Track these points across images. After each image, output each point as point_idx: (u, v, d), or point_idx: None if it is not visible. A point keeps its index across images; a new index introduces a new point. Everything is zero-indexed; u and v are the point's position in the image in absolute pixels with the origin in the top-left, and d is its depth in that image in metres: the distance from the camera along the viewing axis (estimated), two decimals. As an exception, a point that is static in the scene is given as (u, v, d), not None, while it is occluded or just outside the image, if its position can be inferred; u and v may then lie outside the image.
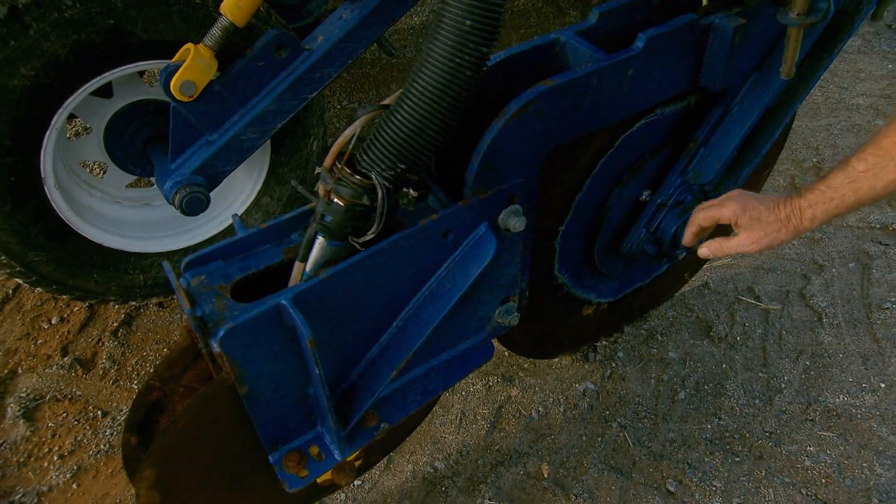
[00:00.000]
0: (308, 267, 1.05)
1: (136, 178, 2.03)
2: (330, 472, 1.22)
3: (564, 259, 1.49)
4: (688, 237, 1.33)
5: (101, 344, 2.04)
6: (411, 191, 1.01)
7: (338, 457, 1.17)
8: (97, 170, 2.58)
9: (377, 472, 1.66)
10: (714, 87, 1.26)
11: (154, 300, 2.10)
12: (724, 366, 1.83)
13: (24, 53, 1.44)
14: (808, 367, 1.81)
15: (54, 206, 1.69)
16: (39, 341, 2.06)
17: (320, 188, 1.01)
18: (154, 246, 1.95)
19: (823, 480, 1.58)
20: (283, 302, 0.95)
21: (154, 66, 1.64)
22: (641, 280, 1.77)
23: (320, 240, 1.04)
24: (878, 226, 2.21)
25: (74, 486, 1.69)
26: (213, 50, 1.57)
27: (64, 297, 1.90)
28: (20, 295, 2.20)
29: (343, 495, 1.62)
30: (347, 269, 1.00)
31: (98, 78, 1.57)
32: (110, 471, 1.73)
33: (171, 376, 1.13)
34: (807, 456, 1.62)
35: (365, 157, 0.99)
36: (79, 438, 1.80)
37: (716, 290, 2.02)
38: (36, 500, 1.66)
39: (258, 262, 1.08)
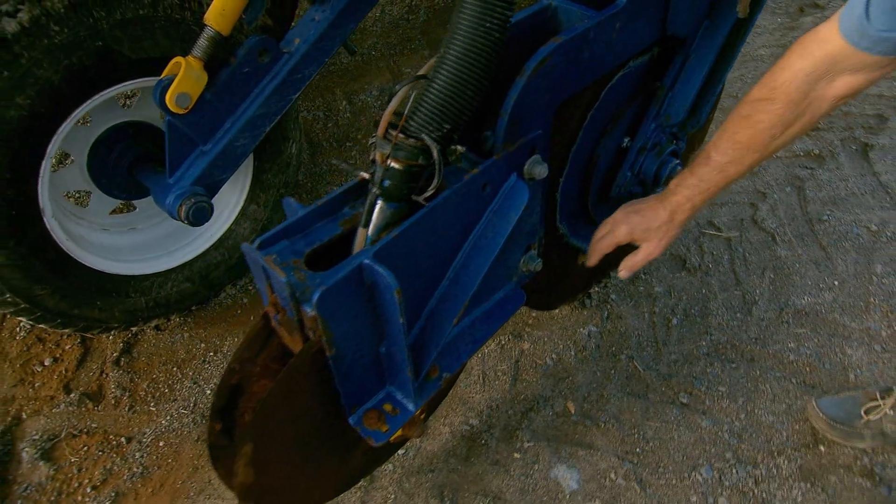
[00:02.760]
0: (370, 231, 1.14)
1: (119, 204, 2.03)
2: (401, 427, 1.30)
3: (564, 210, 1.64)
4: (592, 262, 1.51)
5: (104, 375, 2.02)
6: (458, 147, 1.13)
7: (412, 408, 1.26)
8: (75, 199, 2.51)
9: (417, 440, 1.75)
10: (680, 33, 1.44)
11: (153, 323, 2.09)
12: (703, 290, 2.04)
13: (19, 83, 1.44)
14: (773, 279, 2.06)
15: (54, 237, 1.68)
16: (37, 384, 2.01)
17: (377, 156, 1.10)
18: (152, 267, 1.95)
19: (808, 369, 1.81)
20: (366, 261, 1.04)
21: (142, 84, 1.67)
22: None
23: (379, 205, 1.13)
24: (801, 153, 2.51)
25: (117, 512, 1.69)
26: (202, 61, 1.61)
27: (66, 330, 1.86)
28: (2, 344, 2.13)
29: (390, 466, 1.70)
30: (413, 224, 1.10)
31: (89, 101, 1.58)
32: (150, 490, 1.72)
33: (248, 358, 1.19)
34: (790, 351, 1.85)
35: (413, 123, 1.09)
36: (108, 467, 1.78)
37: (681, 228, 2.24)
38: (80, 533, 1.65)
39: (321, 236, 1.16)
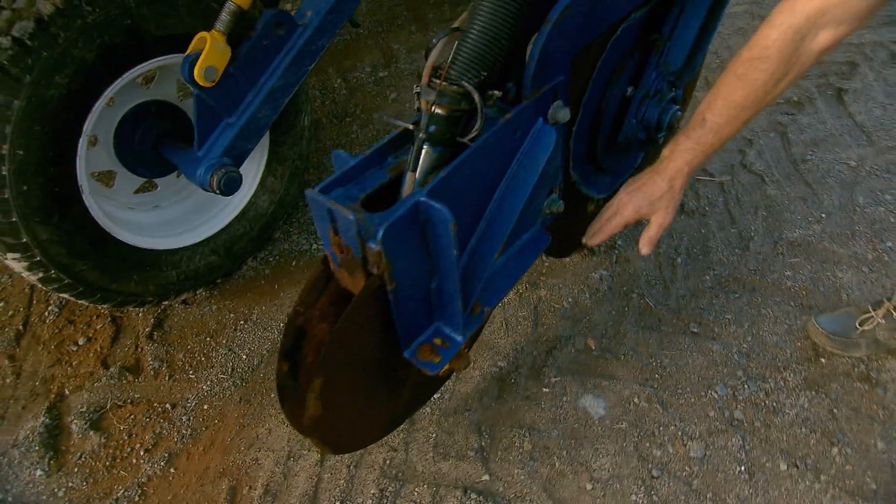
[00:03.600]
0: (418, 174, 1.24)
1: (142, 183, 2.09)
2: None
3: (576, 157, 1.75)
4: (595, 242, 1.55)
5: (140, 350, 2.09)
6: (495, 92, 1.23)
7: (460, 340, 1.37)
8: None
9: (451, 384, 1.86)
10: (674, -18, 1.56)
11: (181, 297, 2.16)
12: (702, 231, 2.18)
13: (57, 62, 1.50)
14: (765, 216, 2.21)
15: (92, 214, 1.74)
16: (74, 363, 2.08)
17: (423, 103, 1.20)
18: (181, 241, 2.03)
19: (804, 293, 1.97)
20: (422, 199, 1.14)
21: (167, 61, 1.73)
22: (625, 174, 2.07)
23: (426, 149, 1.23)
24: (782, 101, 2.66)
25: (172, 469, 1.77)
26: (225, 35, 1.69)
27: (104, 305, 1.94)
28: (33, 328, 2.19)
29: (428, 409, 1.82)
30: (460, 164, 1.20)
31: (120, 79, 1.65)
32: (202, 449, 1.82)
33: (310, 302, 1.29)
34: (786, 279, 2.01)
35: (453, 71, 1.19)
36: (157, 432, 1.86)
37: (676, 176, 2.38)
38: (139, 490, 1.73)
39: (372, 183, 1.25)
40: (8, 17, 1.47)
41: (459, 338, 1.37)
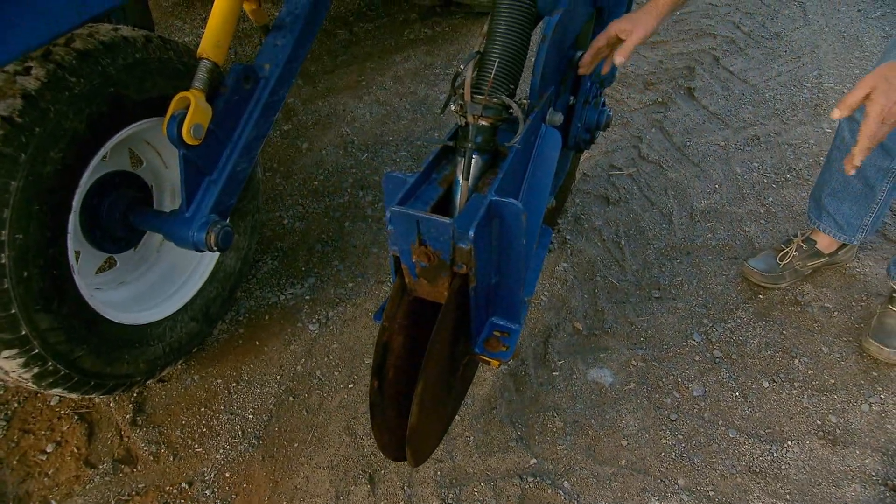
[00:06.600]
0: (470, 181, 1.38)
1: (102, 262, 1.97)
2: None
3: (541, 163, 1.99)
4: (588, 61, 1.68)
5: (127, 439, 1.94)
6: (524, 100, 1.42)
7: (517, 328, 1.51)
8: None
9: (470, 390, 1.97)
10: (605, 5, 1.88)
11: (166, 371, 2.04)
12: (631, 215, 2.52)
13: (51, 137, 1.43)
14: (674, 194, 2.61)
15: (83, 294, 1.64)
16: (50, 472, 1.87)
17: (470, 118, 1.35)
18: (159, 313, 1.93)
19: (726, 248, 2.37)
20: (494, 198, 1.29)
21: (146, 125, 1.70)
22: (563, 175, 2.35)
23: (475, 158, 1.38)
24: (651, 103, 3.15)
25: (217, 546, 1.68)
26: (204, 93, 1.70)
27: (94, 394, 1.78)
28: (-20, 450, 1.93)
29: (458, 417, 1.90)
30: (509, 166, 1.36)
31: (104, 147, 1.59)
32: (240, 517, 1.74)
33: (391, 317, 1.35)
34: (710, 240, 2.40)
35: (486, 88, 1.37)
36: (183, 514, 1.75)
37: (593, 175, 2.72)
38: (189, 578, 1.62)
39: (431, 196, 1.37)
40: (-14, 97, 1.38)
41: (516, 326, 1.51)
